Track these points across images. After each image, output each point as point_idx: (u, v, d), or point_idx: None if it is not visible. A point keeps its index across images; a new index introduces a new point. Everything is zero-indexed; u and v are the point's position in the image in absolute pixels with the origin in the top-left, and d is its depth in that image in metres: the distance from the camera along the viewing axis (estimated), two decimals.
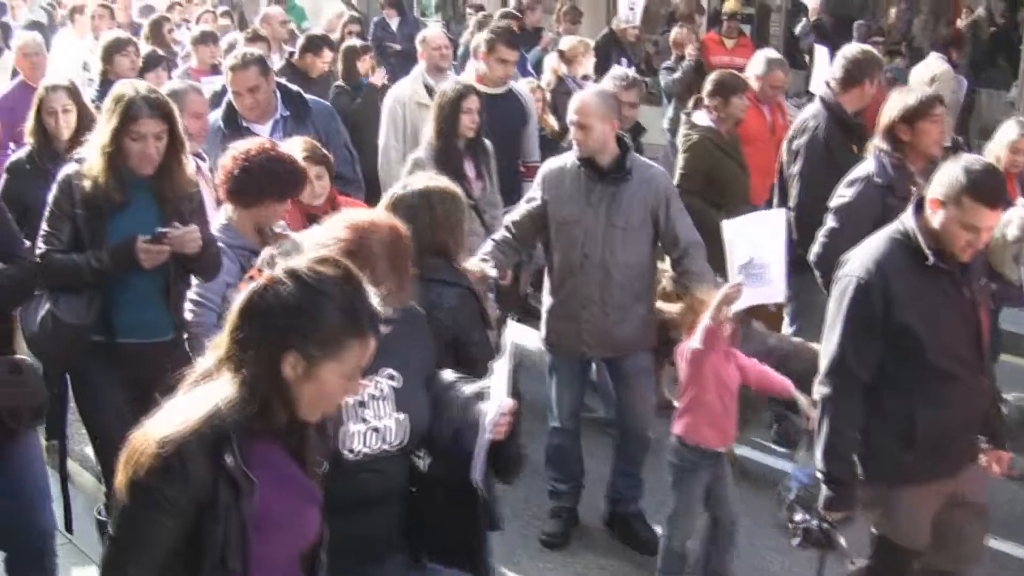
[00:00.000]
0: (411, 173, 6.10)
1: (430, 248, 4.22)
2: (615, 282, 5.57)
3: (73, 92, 5.99)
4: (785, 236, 5.61)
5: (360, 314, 2.58)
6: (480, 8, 13.80)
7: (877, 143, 5.66)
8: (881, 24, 15.61)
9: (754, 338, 6.01)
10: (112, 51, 8.14)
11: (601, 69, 9.62)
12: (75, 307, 4.65)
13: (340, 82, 9.35)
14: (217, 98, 7.51)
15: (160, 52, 9.24)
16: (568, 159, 5.73)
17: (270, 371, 2.51)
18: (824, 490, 4.35)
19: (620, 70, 7.69)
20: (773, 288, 5.53)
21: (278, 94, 6.50)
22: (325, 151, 5.71)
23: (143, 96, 4.59)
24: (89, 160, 4.64)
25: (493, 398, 3.33)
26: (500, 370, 3.34)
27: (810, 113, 6.70)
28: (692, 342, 4.99)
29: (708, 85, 7.41)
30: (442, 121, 6.52)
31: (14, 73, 9.68)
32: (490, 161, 6.85)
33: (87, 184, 4.59)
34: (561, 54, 9.61)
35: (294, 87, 6.81)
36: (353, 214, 3.48)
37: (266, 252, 4.50)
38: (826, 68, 7.95)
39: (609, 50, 10.59)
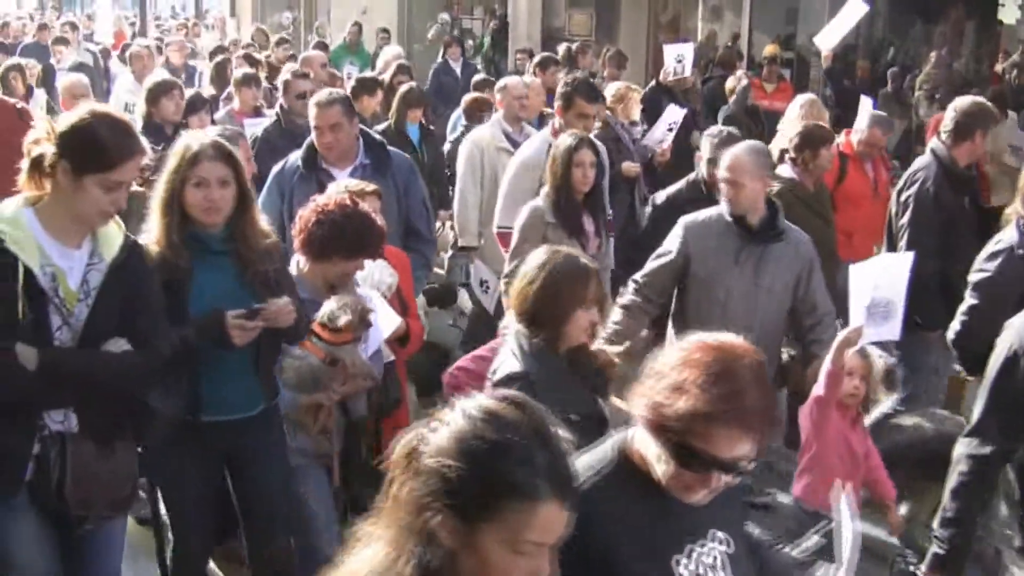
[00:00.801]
0: (529, 221, 6.13)
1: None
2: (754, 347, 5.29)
3: None
4: (908, 277, 5.40)
5: (541, 472, 2.09)
6: (530, 53, 13.90)
7: (1018, 209, 5.21)
8: (917, 70, 15.71)
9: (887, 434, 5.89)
10: (159, 93, 8.09)
11: (651, 120, 9.70)
12: (162, 390, 4.17)
13: (385, 126, 9.24)
14: (256, 141, 7.68)
15: (205, 95, 9.34)
16: (713, 214, 5.50)
17: (424, 533, 2.09)
18: (934, 551, 4.27)
19: (715, 128, 7.48)
20: (891, 326, 5.34)
21: (361, 141, 6.42)
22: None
23: (204, 141, 4.27)
24: (151, 224, 4.26)
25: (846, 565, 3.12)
26: (843, 535, 3.16)
27: (920, 165, 6.57)
28: (815, 388, 4.82)
29: (793, 138, 7.23)
30: (556, 175, 6.20)
31: (50, 113, 10.01)
32: (605, 217, 6.63)
33: (153, 252, 4.15)
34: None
35: (377, 136, 6.75)
36: (705, 335, 2.70)
37: (326, 307, 4.47)
38: (867, 117, 7.93)
39: (659, 100, 10.58)
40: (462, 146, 7.97)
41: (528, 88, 8.27)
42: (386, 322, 4.93)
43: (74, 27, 18.65)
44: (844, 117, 9.38)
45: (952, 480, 4.21)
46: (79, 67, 13.61)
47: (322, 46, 14.69)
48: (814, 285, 5.45)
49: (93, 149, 3.58)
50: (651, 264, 5.61)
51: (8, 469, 3.64)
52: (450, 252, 9.69)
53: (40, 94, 11.27)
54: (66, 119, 3.69)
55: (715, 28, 17.62)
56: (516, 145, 7.64)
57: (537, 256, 3.93)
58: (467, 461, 2.05)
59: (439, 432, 2.11)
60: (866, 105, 9.37)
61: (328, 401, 4.53)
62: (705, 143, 6.83)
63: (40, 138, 3.68)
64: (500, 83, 8.46)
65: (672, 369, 2.57)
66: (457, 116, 10.32)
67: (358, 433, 4.72)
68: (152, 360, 3.84)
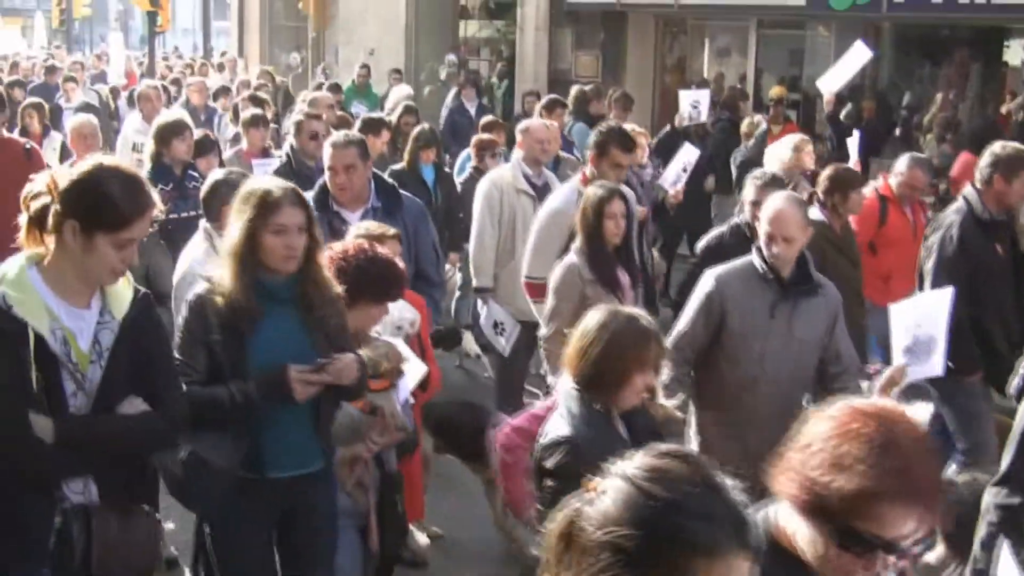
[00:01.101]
0: (566, 279, 6.03)
1: None
2: (786, 398, 5.07)
3: None
4: (949, 312, 5.39)
5: (722, 525, 1.90)
6: (537, 95, 13.94)
7: None
8: (923, 112, 15.78)
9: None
10: (169, 134, 7.91)
11: (665, 164, 9.76)
12: (221, 446, 4.07)
13: (400, 167, 9.29)
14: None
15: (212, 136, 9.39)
16: (743, 266, 5.32)
17: None
18: None
19: (759, 170, 7.25)
20: (933, 362, 5.35)
21: (372, 184, 6.44)
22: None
23: (283, 187, 4.15)
24: (219, 272, 4.14)
25: None
26: None
27: (952, 209, 6.54)
28: None
29: (823, 182, 7.19)
30: (588, 227, 6.09)
31: (63, 155, 10.06)
32: (635, 269, 6.53)
33: (219, 300, 4.06)
34: None
35: (389, 179, 6.81)
36: (860, 402, 2.49)
37: (364, 355, 4.33)
38: (907, 159, 7.92)
39: (674, 144, 10.59)
40: (480, 185, 7.92)
41: (549, 131, 8.24)
42: (414, 369, 4.91)
43: (83, 67, 18.78)
44: (845, 158, 9.36)
45: (981, 530, 4.14)
46: (86, 107, 13.69)
47: (336, 87, 14.72)
48: (838, 333, 5.34)
49: (104, 207, 3.44)
50: (688, 320, 5.40)
51: (31, 544, 3.50)
52: (457, 294, 9.68)
53: (56, 136, 11.30)
54: (72, 173, 3.52)
55: (721, 70, 17.69)
56: (535, 188, 7.65)
57: (597, 317, 3.85)
58: (642, 526, 1.85)
59: (600, 502, 1.91)
60: (855, 140, 9.43)
61: (367, 453, 4.48)
62: (749, 186, 6.69)
63: (40, 192, 3.51)
64: (522, 125, 8.39)
65: (827, 442, 2.33)
66: (465, 156, 10.31)
67: (393, 487, 4.66)
68: (171, 419, 3.72)
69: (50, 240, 3.50)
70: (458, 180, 9.74)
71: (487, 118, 11.29)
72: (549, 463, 3.67)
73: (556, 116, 10.69)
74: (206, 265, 4.93)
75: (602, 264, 6.05)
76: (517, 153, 7.96)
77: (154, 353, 3.73)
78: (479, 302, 7.80)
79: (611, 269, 6.11)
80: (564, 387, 3.84)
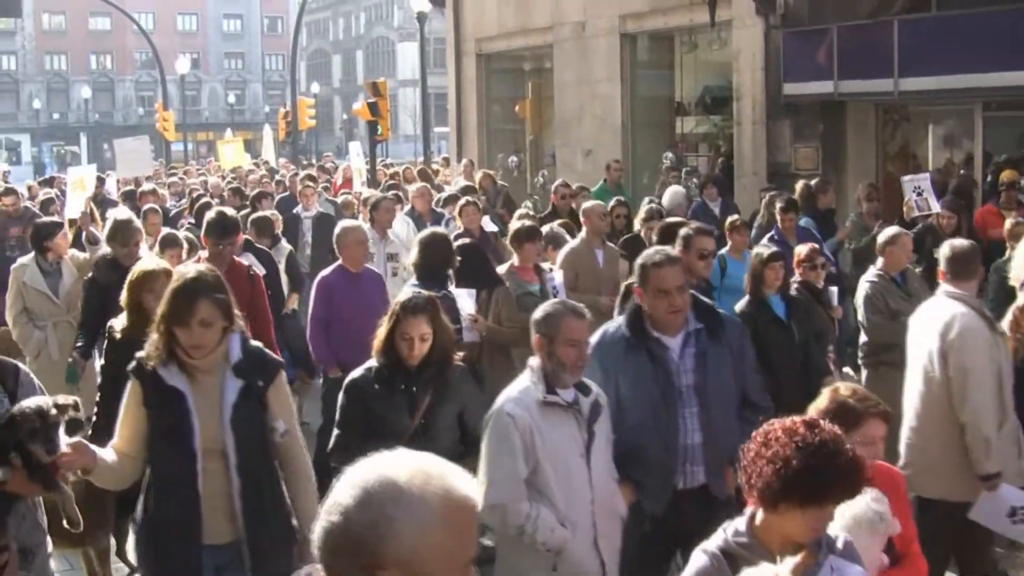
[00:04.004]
0: None
1: None
2: None
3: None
4: None
5: None
6: (775, 191, 13.73)
7: None
8: None
9: None
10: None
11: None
12: None
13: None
14: None
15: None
16: None
17: None
18: None
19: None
20: None
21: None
22: None
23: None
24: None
25: None
26: None
27: None
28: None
29: None
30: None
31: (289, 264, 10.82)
32: None
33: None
34: None
35: (704, 298, 6.17)
36: None
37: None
38: None
39: (924, 239, 10.34)
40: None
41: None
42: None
43: (316, 179, 19.68)
44: None
45: None
46: (321, 216, 14.31)
47: (584, 190, 14.69)
48: None
49: None
50: None
51: None
52: None
53: (285, 246, 11.81)
54: None
55: (947, 155, 17.24)
56: None
57: None
58: None
59: None
60: None
61: None
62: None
63: None
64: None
65: None
66: None
67: None
68: None
69: None
70: None
71: (733, 218, 11.06)
72: None
73: (790, 219, 10.94)
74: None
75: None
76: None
77: None
78: None
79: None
80: None
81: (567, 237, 10.49)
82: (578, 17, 20.82)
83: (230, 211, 9.17)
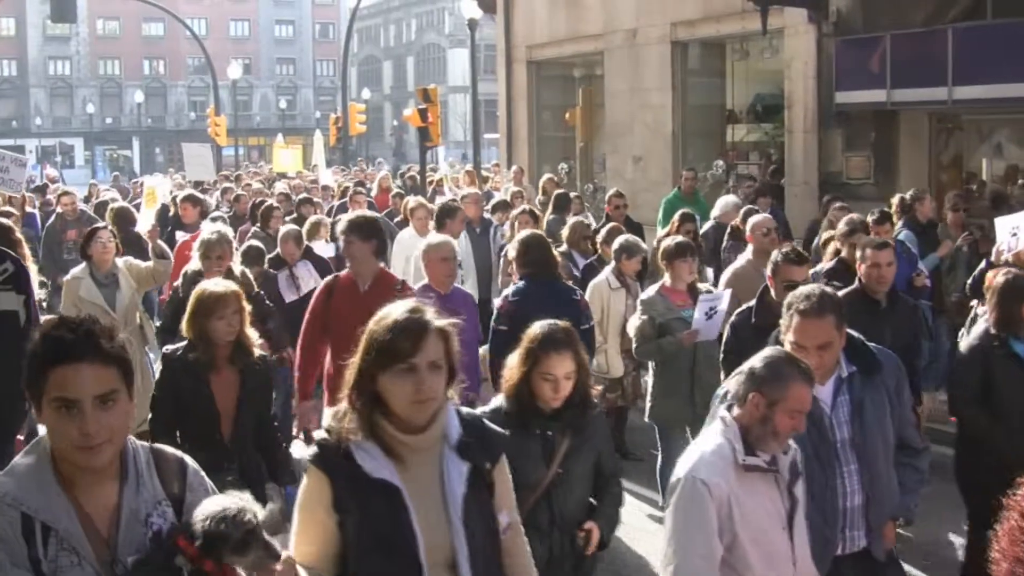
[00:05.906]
0: None
1: None
2: None
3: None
4: None
5: None
6: (838, 200, 13.77)
7: None
8: None
9: None
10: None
11: None
12: None
13: None
14: None
15: None
16: None
17: None
18: None
19: None
20: None
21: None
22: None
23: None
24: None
25: None
26: None
27: None
28: None
29: None
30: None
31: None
32: None
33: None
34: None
35: (855, 334, 5.28)
36: None
37: None
38: None
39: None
40: None
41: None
42: None
43: (363, 184, 19.84)
44: None
45: None
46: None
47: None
48: None
49: None
50: None
51: None
52: None
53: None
54: None
55: (1002, 165, 17.07)
56: None
57: None
58: None
59: None
60: None
61: None
62: None
63: None
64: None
65: None
66: None
67: None
68: None
69: None
70: None
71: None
72: None
73: (884, 231, 10.41)
74: None
75: None
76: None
77: None
78: None
79: None
80: None
81: (642, 245, 10.21)
82: (630, 25, 20.82)
83: (368, 213, 8.89)
